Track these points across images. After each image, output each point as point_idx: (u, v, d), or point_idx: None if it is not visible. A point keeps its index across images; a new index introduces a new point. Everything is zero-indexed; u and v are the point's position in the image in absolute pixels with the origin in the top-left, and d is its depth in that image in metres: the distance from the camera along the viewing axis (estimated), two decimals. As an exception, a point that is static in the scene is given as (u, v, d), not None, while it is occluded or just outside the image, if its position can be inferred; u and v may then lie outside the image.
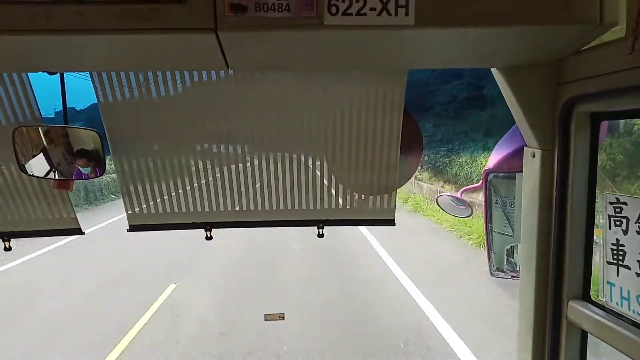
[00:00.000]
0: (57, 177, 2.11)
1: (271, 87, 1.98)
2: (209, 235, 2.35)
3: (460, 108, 28.18)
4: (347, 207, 2.33)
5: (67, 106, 1.99)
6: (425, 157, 23.21)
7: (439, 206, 3.53)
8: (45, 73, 1.75)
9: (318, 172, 2.24)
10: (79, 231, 2.36)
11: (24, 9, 1.24)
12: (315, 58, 1.66)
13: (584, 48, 1.51)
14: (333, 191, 2.29)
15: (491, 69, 1.78)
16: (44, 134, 2.05)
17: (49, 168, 2.10)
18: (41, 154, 2.07)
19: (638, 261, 1.45)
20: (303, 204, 2.31)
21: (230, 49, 1.42)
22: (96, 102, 1.98)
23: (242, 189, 2.25)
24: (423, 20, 1.28)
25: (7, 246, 2.31)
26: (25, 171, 2.03)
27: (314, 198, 2.31)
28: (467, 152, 23.98)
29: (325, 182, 2.26)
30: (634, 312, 1.48)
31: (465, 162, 23.37)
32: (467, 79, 28.86)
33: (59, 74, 1.85)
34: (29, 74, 1.94)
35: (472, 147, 24.10)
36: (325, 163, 2.21)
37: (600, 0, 1.28)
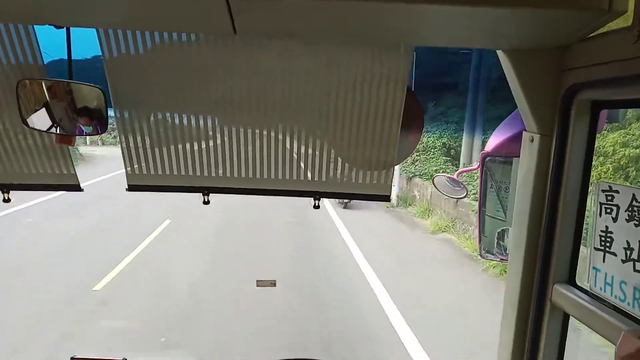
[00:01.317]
0: (58, 132, 2.12)
1: (276, 55, 1.98)
2: (206, 200, 2.37)
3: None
4: (345, 180, 2.35)
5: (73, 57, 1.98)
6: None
7: (435, 187, 3.57)
8: (52, 26, 1.74)
9: (318, 144, 2.25)
10: (77, 187, 2.37)
11: None
12: (322, 28, 1.66)
13: (590, 35, 1.52)
14: (332, 164, 2.30)
15: (497, 51, 1.78)
16: (48, 89, 2.05)
17: (50, 123, 2.11)
18: (44, 108, 2.07)
19: (624, 248, 1.48)
20: (301, 175, 2.33)
21: (238, 12, 1.42)
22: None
23: (242, 155, 2.27)
24: None
25: (6, 197, 2.33)
26: (27, 124, 2.04)
27: (312, 169, 2.33)
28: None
29: (325, 153, 2.27)
30: (615, 297, 1.52)
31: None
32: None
33: (65, 28, 1.84)
34: (35, 26, 1.93)
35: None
36: (326, 135, 2.22)
37: None
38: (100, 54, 1.98)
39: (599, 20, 1.38)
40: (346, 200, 17.84)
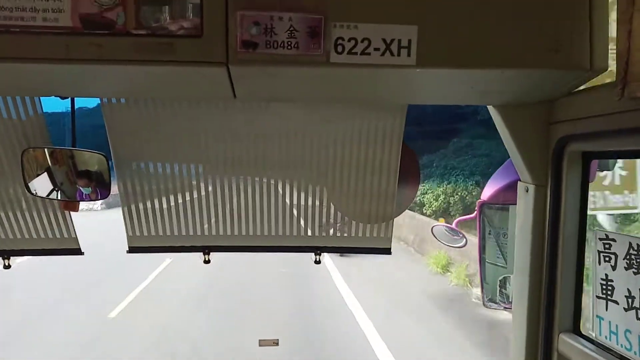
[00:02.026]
0: (59, 198, 2.16)
1: (274, 117, 2.05)
2: (206, 259, 2.38)
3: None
4: (345, 235, 2.37)
5: (76, 106, 2.00)
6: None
7: (434, 236, 3.58)
8: (58, 98, 1.81)
9: (317, 200, 2.29)
10: (78, 251, 2.38)
11: (46, 39, 1.31)
12: (319, 92, 1.73)
13: (575, 90, 1.59)
14: (331, 218, 2.33)
15: (487, 106, 1.85)
16: (51, 155, 2.10)
17: (52, 188, 2.14)
18: (46, 174, 2.11)
19: (626, 296, 1.49)
20: (301, 231, 2.35)
21: (239, 81, 1.49)
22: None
23: (242, 214, 2.29)
24: (424, 60, 1.36)
25: (7, 264, 2.32)
26: (30, 190, 2.07)
27: (312, 224, 2.35)
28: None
29: (324, 208, 2.30)
30: (621, 346, 1.52)
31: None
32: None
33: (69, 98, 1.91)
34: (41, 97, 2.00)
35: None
36: (324, 191, 2.26)
37: (591, 46, 1.37)
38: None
39: (582, 77, 1.46)
40: (343, 250, 16.97)
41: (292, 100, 1.94)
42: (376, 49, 1.34)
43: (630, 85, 1.16)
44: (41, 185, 2.12)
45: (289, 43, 1.33)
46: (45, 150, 2.10)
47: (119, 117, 2.03)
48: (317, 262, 2.43)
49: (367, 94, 1.77)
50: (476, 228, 2.92)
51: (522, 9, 1.37)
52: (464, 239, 3.52)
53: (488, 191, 2.73)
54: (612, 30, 1.34)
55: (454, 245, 3.71)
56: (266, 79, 1.49)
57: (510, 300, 2.78)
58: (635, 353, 1.46)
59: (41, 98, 2.01)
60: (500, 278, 2.84)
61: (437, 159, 19.73)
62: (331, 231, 2.40)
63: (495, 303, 2.91)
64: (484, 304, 3.01)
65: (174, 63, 1.35)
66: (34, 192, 2.11)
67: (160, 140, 2.12)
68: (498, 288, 2.86)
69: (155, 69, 1.38)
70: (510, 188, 2.28)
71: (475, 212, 2.85)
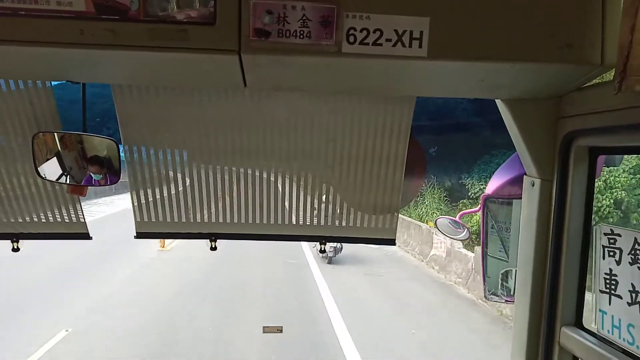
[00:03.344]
0: (68, 182, 2.17)
1: (283, 107, 2.06)
2: (213, 246, 2.40)
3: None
4: (350, 225, 2.39)
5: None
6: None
7: (437, 228, 3.59)
8: (69, 82, 1.82)
9: (324, 190, 2.30)
10: (86, 236, 2.40)
11: (60, 23, 1.32)
12: (329, 82, 1.74)
13: (585, 85, 1.60)
14: (337, 209, 2.34)
15: (495, 100, 1.86)
16: (60, 139, 2.12)
17: (61, 172, 2.16)
18: (56, 159, 2.13)
19: (629, 291, 1.51)
20: (308, 220, 2.37)
21: (250, 70, 1.50)
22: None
23: (249, 202, 2.31)
24: (435, 52, 1.36)
25: (16, 247, 2.35)
26: (39, 174, 2.09)
27: (318, 214, 2.37)
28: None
29: (330, 198, 2.32)
30: (624, 340, 1.53)
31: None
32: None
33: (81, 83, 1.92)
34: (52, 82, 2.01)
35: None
36: (331, 181, 2.27)
37: (602, 42, 1.37)
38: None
39: (592, 73, 1.46)
40: (330, 254, 14.87)
41: (302, 89, 1.95)
42: (388, 40, 1.35)
43: (629, 79, 1.16)
44: (51, 169, 2.14)
45: (302, 32, 1.34)
46: (55, 134, 2.11)
47: (130, 103, 2.04)
48: (322, 251, 2.45)
49: (377, 86, 1.78)
50: (479, 222, 2.93)
51: (536, 3, 1.37)
52: (467, 232, 3.53)
53: (493, 185, 2.74)
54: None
55: (457, 237, 3.73)
56: (277, 68, 1.50)
57: (511, 293, 2.80)
58: (637, 347, 1.48)
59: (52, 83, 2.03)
60: (502, 272, 2.86)
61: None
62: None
63: (497, 296, 2.92)
64: (485, 297, 3.03)
65: (187, 50, 1.36)
66: (43, 176, 2.12)
67: (169, 127, 2.14)
68: (500, 281, 2.88)
69: (168, 56, 1.39)
70: (515, 182, 2.29)
71: (480, 205, 2.86)
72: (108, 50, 1.36)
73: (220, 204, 2.32)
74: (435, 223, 3.63)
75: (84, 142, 2.14)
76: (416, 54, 1.36)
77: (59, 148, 2.12)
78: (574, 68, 1.41)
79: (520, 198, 2.03)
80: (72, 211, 2.33)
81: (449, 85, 1.78)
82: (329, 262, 15.13)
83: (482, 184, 17.47)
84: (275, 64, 1.44)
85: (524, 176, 1.96)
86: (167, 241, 16.22)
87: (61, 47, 1.35)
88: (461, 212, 3.61)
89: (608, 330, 1.61)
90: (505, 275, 2.85)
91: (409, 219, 18.69)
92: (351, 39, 1.35)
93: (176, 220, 2.34)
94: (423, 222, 18.36)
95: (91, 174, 2.18)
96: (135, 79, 1.90)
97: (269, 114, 2.08)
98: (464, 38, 1.37)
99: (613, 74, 1.46)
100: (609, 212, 12.72)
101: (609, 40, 1.37)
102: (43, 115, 2.07)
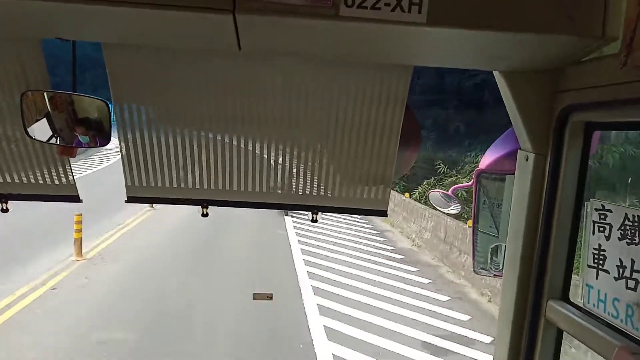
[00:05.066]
0: (58, 143, 2.13)
1: (278, 72, 2.02)
2: (205, 213, 2.39)
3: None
4: (343, 195, 2.38)
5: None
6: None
7: (430, 201, 3.60)
8: (58, 40, 1.77)
9: (317, 159, 2.28)
10: (76, 198, 2.38)
11: None
12: (325, 47, 1.70)
13: (584, 59, 1.58)
14: (330, 178, 2.33)
15: (493, 72, 1.83)
16: (50, 100, 2.07)
17: (51, 133, 2.12)
18: (45, 119, 2.08)
19: (617, 266, 1.52)
20: (300, 189, 2.35)
21: (245, 31, 1.46)
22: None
23: (242, 169, 2.29)
24: (434, 19, 1.33)
25: (4, 207, 2.32)
26: (29, 135, 2.05)
27: (311, 183, 2.35)
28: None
29: (323, 168, 2.30)
30: (609, 314, 1.55)
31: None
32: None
33: (71, 41, 1.87)
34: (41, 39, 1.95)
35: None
36: (325, 151, 2.25)
37: (604, 14, 1.35)
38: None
39: (593, 46, 1.44)
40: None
41: (297, 54, 1.91)
42: (387, 4, 1.32)
43: (635, 53, 1.15)
44: (40, 130, 2.09)
45: None
46: (45, 94, 2.06)
47: (121, 62, 1.99)
48: (314, 220, 2.45)
49: (373, 52, 1.74)
50: (472, 196, 2.94)
51: None
52: (459, 206, 3.54)
53: (487, 159, 2.73)
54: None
55: (449, 211, 3.74)
56: (272, 30, 1.46)
57: (500, 268, 2.83)
58: (621, 320, 1.50)
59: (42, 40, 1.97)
60: (492, 246, 2.88)
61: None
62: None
63: (486, 270, 2.95)
64: (474, 271, 3.06)
65: (180, 8, 1.32)
66: (32, 136, 2.07)
67: (161, 89, 2.09)
68: (489, 256, 2.90)
69: (160, 13, 1.35)
70: (509, 157, 2.28)
71: (472, 180, 2.86)
72: (96, 5, 1.32)
73: (212, 171, 2.30)
74: (428, 196, 3.63)
75: (74, 103, 2.09)
76: (415, 19, 1.33)
77: (49, 108, 2.08)
78: (575, 40, 1.39)
79: (514, 174, 2.03)
80: (61, 172, 2.30)
81: (447, 55, 1.75)
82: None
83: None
84: (271, 25, 1.41)
85: (519, 150, 1.95)
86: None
87: (51, 1, 1.31)
88: (454, 186, 3.61)
89: (594, 304, 1.63)
90: (495, 250, 2.87)
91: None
92: (349, 1, 1.32)
93: (167, 185, 2.32)
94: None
95: (80, 135, 2.14)
96: (127, 37, 1.85)
97: (263, 81, 2.04)
98: (465, 5, 1.34)
99: (611, 48, 1.45)
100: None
101: (611, 12, 1.35)
102: (32, 73, 2.02)
